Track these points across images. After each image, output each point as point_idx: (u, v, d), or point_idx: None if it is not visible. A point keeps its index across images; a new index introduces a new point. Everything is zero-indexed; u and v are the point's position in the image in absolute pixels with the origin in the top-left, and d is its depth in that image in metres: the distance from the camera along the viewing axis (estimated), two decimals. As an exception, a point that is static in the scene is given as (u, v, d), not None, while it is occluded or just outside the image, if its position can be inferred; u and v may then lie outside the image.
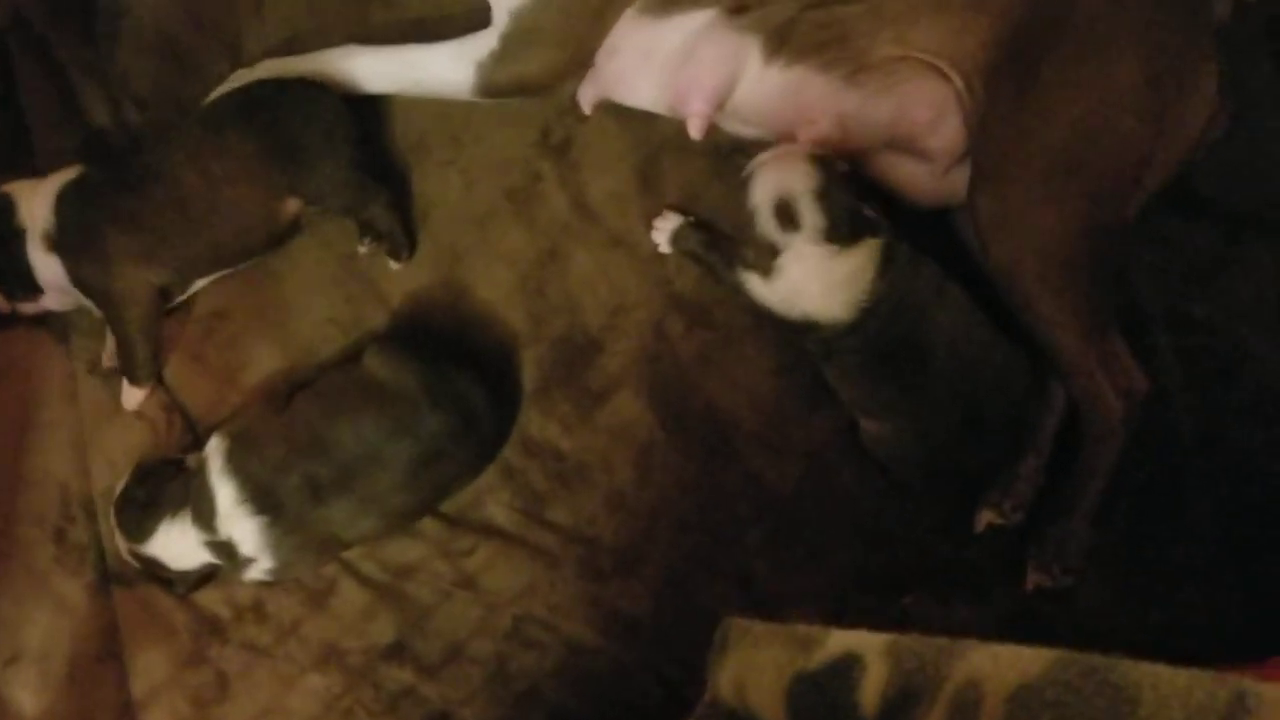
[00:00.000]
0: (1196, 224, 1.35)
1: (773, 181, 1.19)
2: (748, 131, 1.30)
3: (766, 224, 1.19)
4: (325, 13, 1.39)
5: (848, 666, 0.63)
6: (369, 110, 1.34)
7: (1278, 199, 1.37)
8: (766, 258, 1.20)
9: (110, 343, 1.31)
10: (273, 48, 1.37)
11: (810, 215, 1.17)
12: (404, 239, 1.31)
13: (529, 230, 1.35)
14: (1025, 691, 0.55)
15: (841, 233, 1.18)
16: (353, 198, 1.26)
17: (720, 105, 1.26)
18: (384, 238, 1.30)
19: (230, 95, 1.29)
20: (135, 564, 1.24)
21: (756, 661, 0.68)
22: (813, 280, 1.20)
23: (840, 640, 0.65)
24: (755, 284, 1.23)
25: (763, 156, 1.21)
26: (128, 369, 1.28)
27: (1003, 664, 0.57)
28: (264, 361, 1.33)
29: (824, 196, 1.18)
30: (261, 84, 1.28)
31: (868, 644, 0.64)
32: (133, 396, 1.30)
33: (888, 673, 0.61)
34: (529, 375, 1.32)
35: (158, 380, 1.31)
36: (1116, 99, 1.18)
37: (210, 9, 1.40)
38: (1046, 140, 1.18)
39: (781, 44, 1.23)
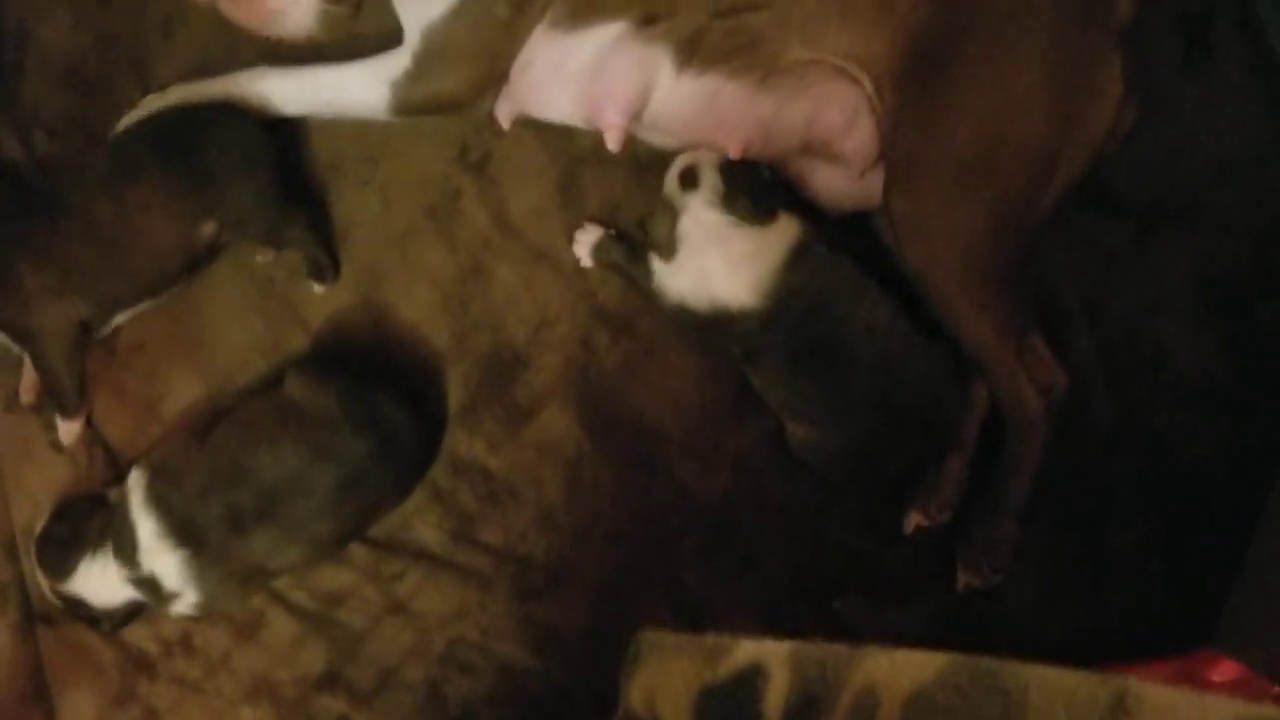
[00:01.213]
0: (1111, 219, 1.37)
1: (685, 157, 1.24)
2: (667, 141, 1.30)
3: (669, 186, 1.23)
4: (236, 33, 1.37)
5: (752, 677, 0.63)
6: (284, 131, 1.33)
7: (1190, 191, 1.39)
8: (668, 227, 1.23)
9: (28, 377, 1.29)
10: (184, 71, 1.35)
11: (709, 178, 1.21)
12: (327, 261, 1.30)
13: (450, 248, 1.34)
14: (919, 696, 0.55)
15: (739, 203, 1.20)
16: (270, 223, 1.24)
17: (635, 117, 1.26)
18: (306, 261, 1.29)
19: (142, 122, 1.27)
20: (59, 603, 1.22)
21: (666, 674, 0.68)
22: (712, 250, 1.22)
23: (745, 651, 0.65)
24: (664, 272, 1.25)
25: None
26: (57, 404, 1.26)
27: (899, 669, 0.57)
28: (184, 391, 1.31)
29: (727, 168, 1.21)
30: (174, 110, 1.26)
31: (771, 653, 0.64)
32: (68, 431, 1.27)
33: (789, 681, 0.61)
34: (455, 394, 1.31)
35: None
36: (1021, 100, 1.19)
37: (118, 33, 1.38)
38: (954, 142, 1.19)
39: (692, 53, 1.23)
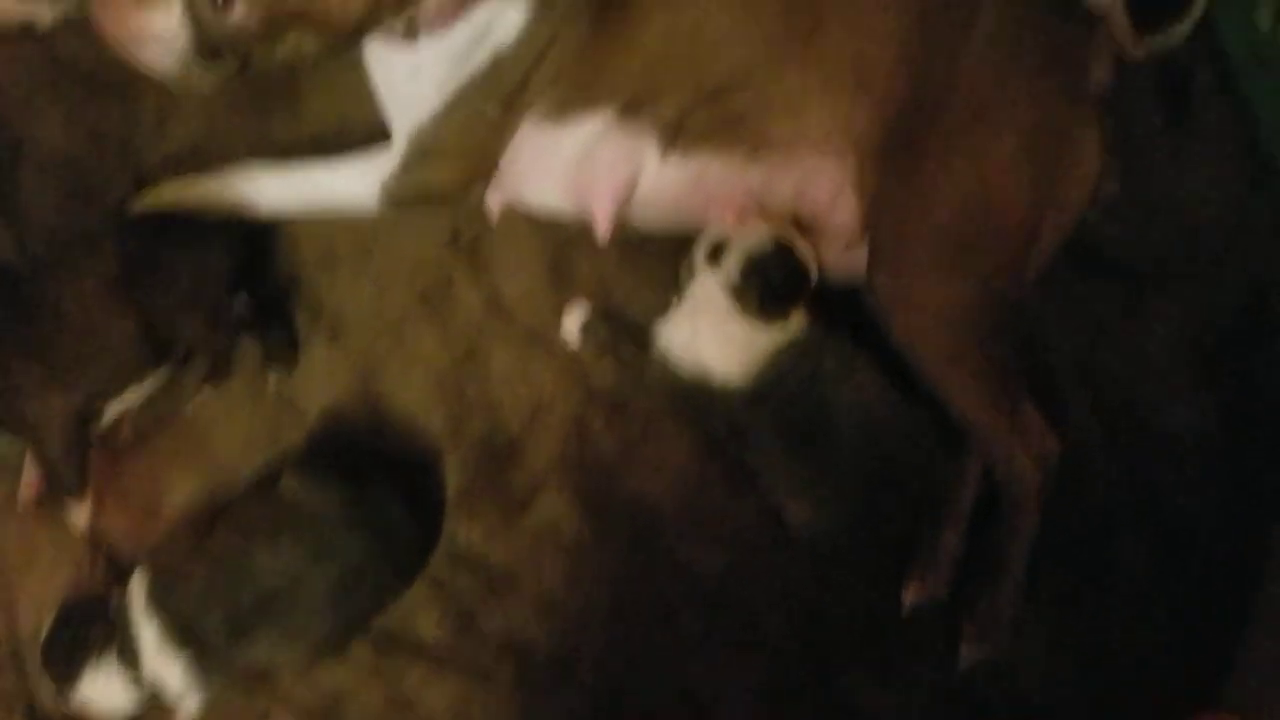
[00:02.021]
0: (1099, 281, 1.38)
1: (720, 231, 1.24)
2: (659, 224, 1.31)
3: (699, 251, 1.23)
4: (228, 129, 1.39)
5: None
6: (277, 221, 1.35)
7: (1176, 252, 1.40)
8: (683, 284, 1.25)
9: (28, 474, 1.30)
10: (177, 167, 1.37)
11: (731, 264, 1.21)
12: (286, 352, 1.31)
13: (444, 333, 1.35)
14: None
15: (748, 299, 1.21)
16: (208, 348, 1.26)
17: (624, 203, 1.27)
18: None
19: (121, 224, 1.28)
20: (64, 709, 1.22)
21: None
22: (710, 322, 1.23)
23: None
24: (663, 327, 1.26)
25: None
26: (63, 487, 1.26)
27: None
28: (184, 489, 1.31)
29: (753, 260, 1.20)
30: (153, 217, 1.27)
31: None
32: (79, 513, 1.27)
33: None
34: (452, 481, 1.31)
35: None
36: (1001, 174, 1.21)
37: (112, 130, 1.39)
38: (935, 217, 1.20)
39: (676, 137, 1.25)
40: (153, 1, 0.98)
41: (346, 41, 1.06)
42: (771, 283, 1.21)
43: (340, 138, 1.35)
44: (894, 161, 1.22)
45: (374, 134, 1.30)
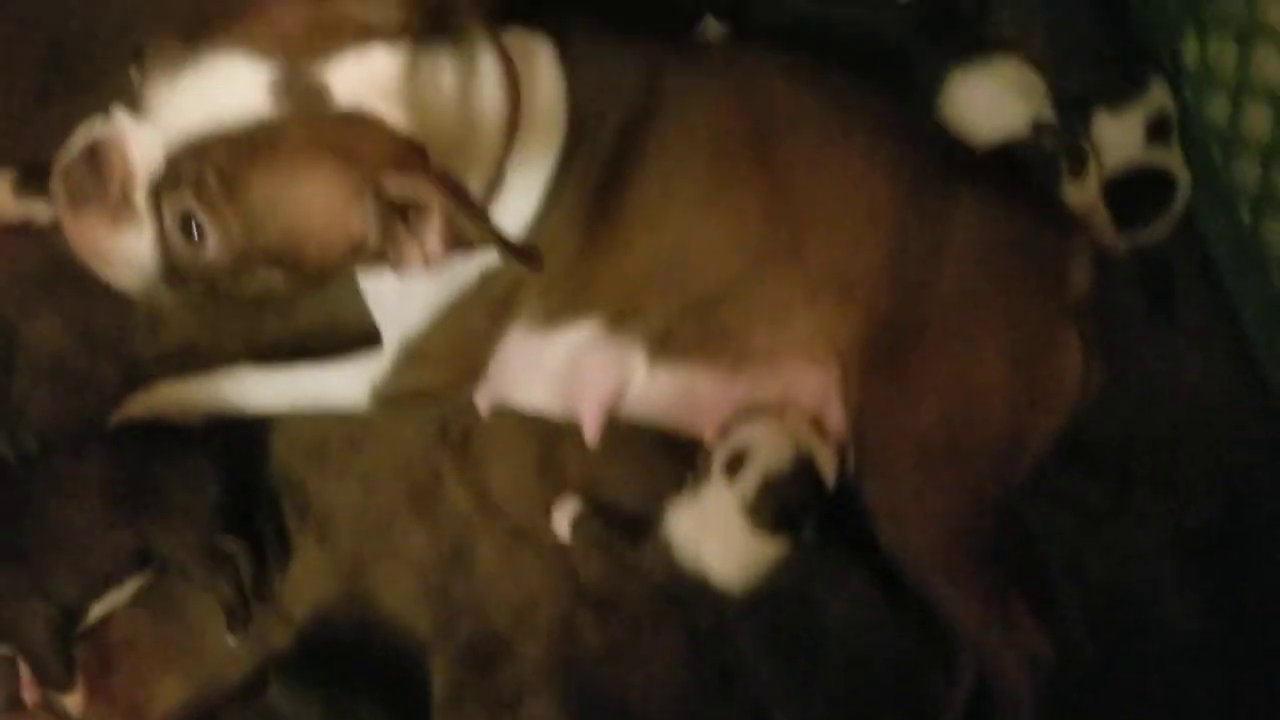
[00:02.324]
0: (1087, 477, 1.38)
1: (745, 440, 1.23)
2: (648, 422, 1.32)
3: (719, 454, 1.23)
4: (220, 328, 1.40)
5: None
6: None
7: (1163, 446, 1.40)
8: (696, 474, 1.24)
9: (25, 673, 1.29)
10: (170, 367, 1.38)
11: (748, 480, 1.21)
12: (244, 612, 1.28)
13: (431, 530, 1.36)
14: None
15: (759, 518, 1.21)
16: (197, 571, 1.25)
17: (612, 408, 1.28)
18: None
19: (111, 431, 1.29)
20: None
21: None
22: (716, 525, 1.23)
23: None
24: (669, 514, 1.26)
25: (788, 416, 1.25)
26: (53, 683, 1.26)
27: None
28: (172, 693, 1.30)
29: (772, 481, 1.20)
30: (142, 429, 1.28)
31: None
32: (74, 703, 1.27)
33: None
34: (439, 684, 1.31)
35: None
36: (983, 385, 1.22)
37: (105, 329, 1.41)
38: (918, 429, 1.21)
39: (664, 347, 1.26)
40: (125, 225, 0.98)
41: (320, 283, 1.07)
42: (788, 504, 1.21)
43: (332, 336, 1.36)
44: (877, 372, 1.23)
45: (366, 332, 1.31)
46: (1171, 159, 1.39)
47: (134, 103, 0.96)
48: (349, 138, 0.95)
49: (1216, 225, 1.41)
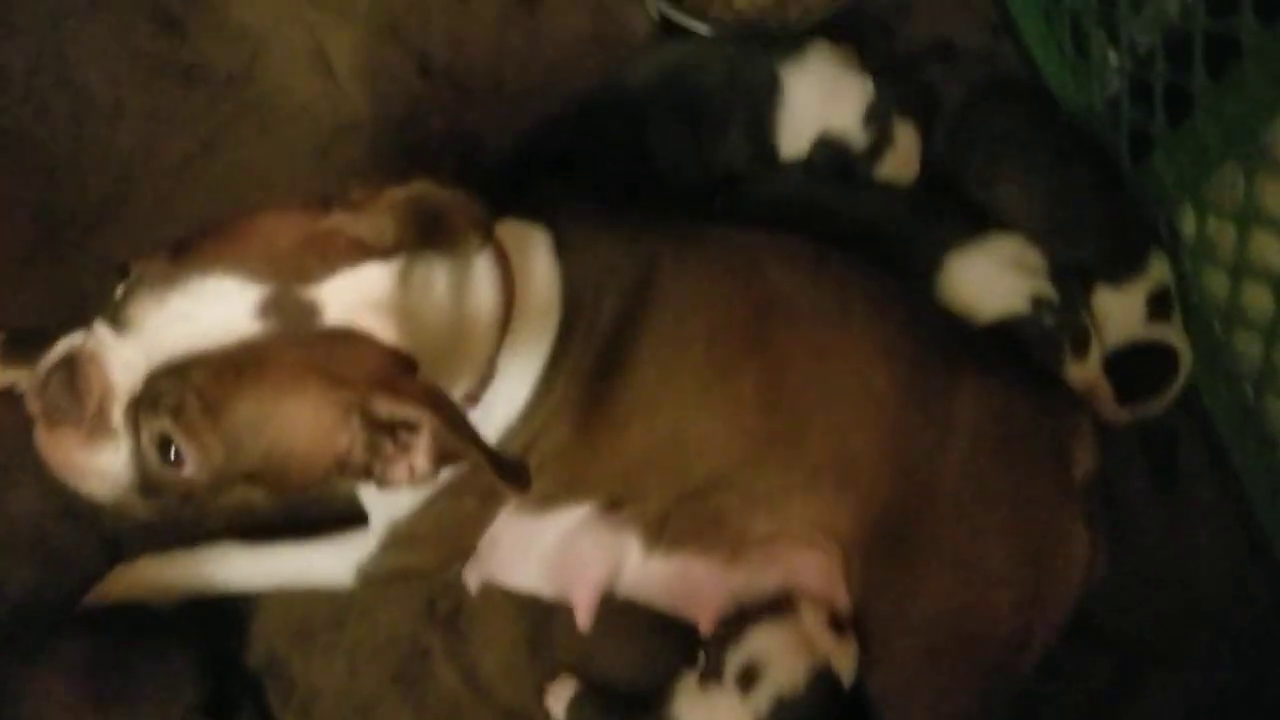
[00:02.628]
0: (1096, 657, 1.35)
1: (769, 643, 1.17)
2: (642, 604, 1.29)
3: (731, 664, 1.18)
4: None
5: None
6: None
7: (1171, 621, 1.37)
8: (708, 672, 1.19)
9: None
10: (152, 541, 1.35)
11: (762, 703, 1.16)
12: None
13: (419, 711, 1.31)
14: None
15: None
16: None
17: (604, 593, 1.25)
18: None
19: (90, 612, 1.26)
20: None
21: None
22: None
23: None
24: (679, 696, 1.22)
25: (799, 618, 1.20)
26: None
27: None
28: None
29: (786, 703, 1.15)
30: (121, 615, 1.25)
31: None
32: None
33: None
34: None
35: None
36: (989, 577, 1.19)
37: (84, 501, 1.36)
38: (924, 620, 1.18)
39: (660, 534, 1.23)
40: (99, 442, 0.95)
41: (302, 494, 1.04)
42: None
43: (320, 508, 1.33)
44: (880, 559, 1.20)
45: (355, 504, 1.27)
46: (1173, 333, 1.37)
47: (116, 317, 0.94)
48: (337, 357, 0.93)
49: (1220, 399, 1.40)
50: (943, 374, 1.22)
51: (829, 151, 1.36)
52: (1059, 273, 1.34)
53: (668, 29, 1.49)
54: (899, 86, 1.38)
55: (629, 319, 1.17)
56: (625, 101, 1.37)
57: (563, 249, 1.16)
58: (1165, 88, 1.29)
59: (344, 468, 0.96)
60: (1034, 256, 1.35)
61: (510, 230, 1.14)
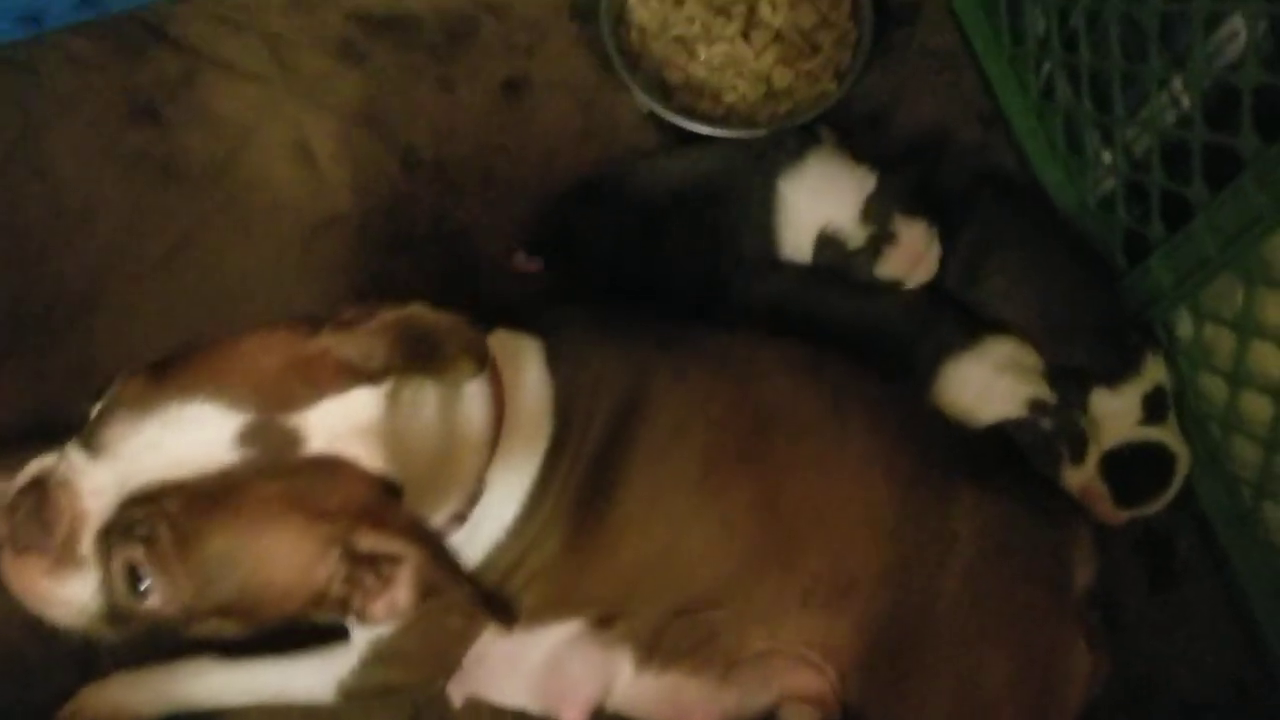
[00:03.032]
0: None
1: None
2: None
3: None
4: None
5: None
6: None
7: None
8: None
9: None
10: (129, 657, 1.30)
11: None
12: None
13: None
14: None
15: None
16: None
17: (595, 710, 1.22)
18: None
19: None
20: None
21: None
22: None
23: None
24: None
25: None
26: None
27: None
28: None
29: None
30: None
31: None
32: None
33: None
34: None
35: None
36: (989, 695, 1.16)
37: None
38: (924, 739, 1.15)
39: (652, 651, 1.20)
40: (66, 570, 0.91)
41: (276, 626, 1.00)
42: None
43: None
44: (878, 678, 1.17)
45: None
46: (1170, 434, 1.35)
47: (90, 440, 0.90)
48: (318, 488, 0.89)
49: (1218, 501, 1.37)
50: (941, 487, 1.20)
51: (825, 250, 1.34)
52: (1056, 374, 1.33)
53: (656, 123, 1.48)
54: (909, 183, 1.35)
55: (622, 432, 1.15)
56: (642, 201, 1.36)
57: (555, 359, 1.14)
58: (1162, 193, 1.27)
59: (321, 602, 0.93)
60: (1030, 357, 1.33)
61: (501, 341, 1.12)
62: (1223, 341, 1.28)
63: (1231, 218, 1.17)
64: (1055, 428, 1.30)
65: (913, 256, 1.33)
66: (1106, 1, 1.25)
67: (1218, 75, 1.15)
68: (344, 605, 0.93)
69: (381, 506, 0.90)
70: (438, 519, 1.05)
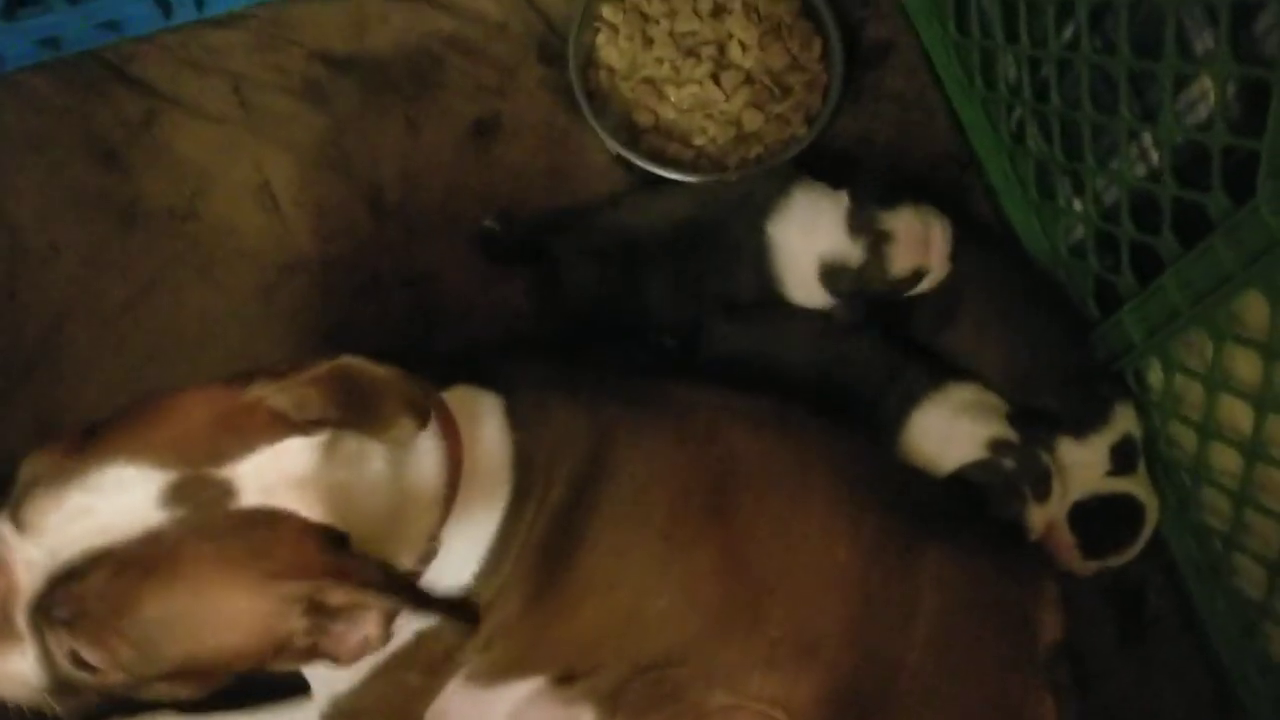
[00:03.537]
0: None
1: None
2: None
3: None
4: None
5: None
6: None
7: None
8: None
9: None
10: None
11: None
12: None
13: None
14: None
15: None
16: None
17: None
18: None
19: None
20: None
21: None
22: None
23: None
24: None
25: None
26: None
27: None
28: None
29: None
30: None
31: None
32: None
33: None
34: None
35: None
36: (959, 751, 1.15)
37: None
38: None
39: (614, 709, 1.18)
40: (6, 645, 0.88)
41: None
42: None
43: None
44: (842, 737, 1.16)
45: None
46: (1139, 486, 1.34)
47: (15, 516, 0.88)
48: (259, 542, 0.87)
49: (1188, 551, 1.37)
50: (906, 543, 1.19)
51: (836, 280, 1.32)
52: (1020, 414, 1.31)
53: (625, 166, 1.46)
54: (878, 179, 1.34)
55: (584, 491, 1.13)
56: (625, 239, 1.36)
57: (516, 417, 1.12)
58: (1133, 244, 1.26)
59: (282, 654, 0.91)
60: (992, 400, 1.32)
61: (461, 397, 1.10)
62: (1193, 393, 1.27)
63: (1201, 275, 1.16)
64: (1018, 467, 1.29)
65: (916, 242, 1.30)
66: (1077, 52, 1.24)
67: (1189, 133, 1.14)
68: (310, 654, 0.92)
69: (333, 557, 0.89)
70: None
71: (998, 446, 1.29)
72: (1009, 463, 1.29)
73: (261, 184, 1.44)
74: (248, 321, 1.39)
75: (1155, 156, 1.21)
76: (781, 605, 1.16)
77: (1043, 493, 1.30)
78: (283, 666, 0.98)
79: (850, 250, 1.31)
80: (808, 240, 1.32)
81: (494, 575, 1.11)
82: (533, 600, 1.13)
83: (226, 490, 0.87)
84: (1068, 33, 1.27)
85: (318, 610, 0.88)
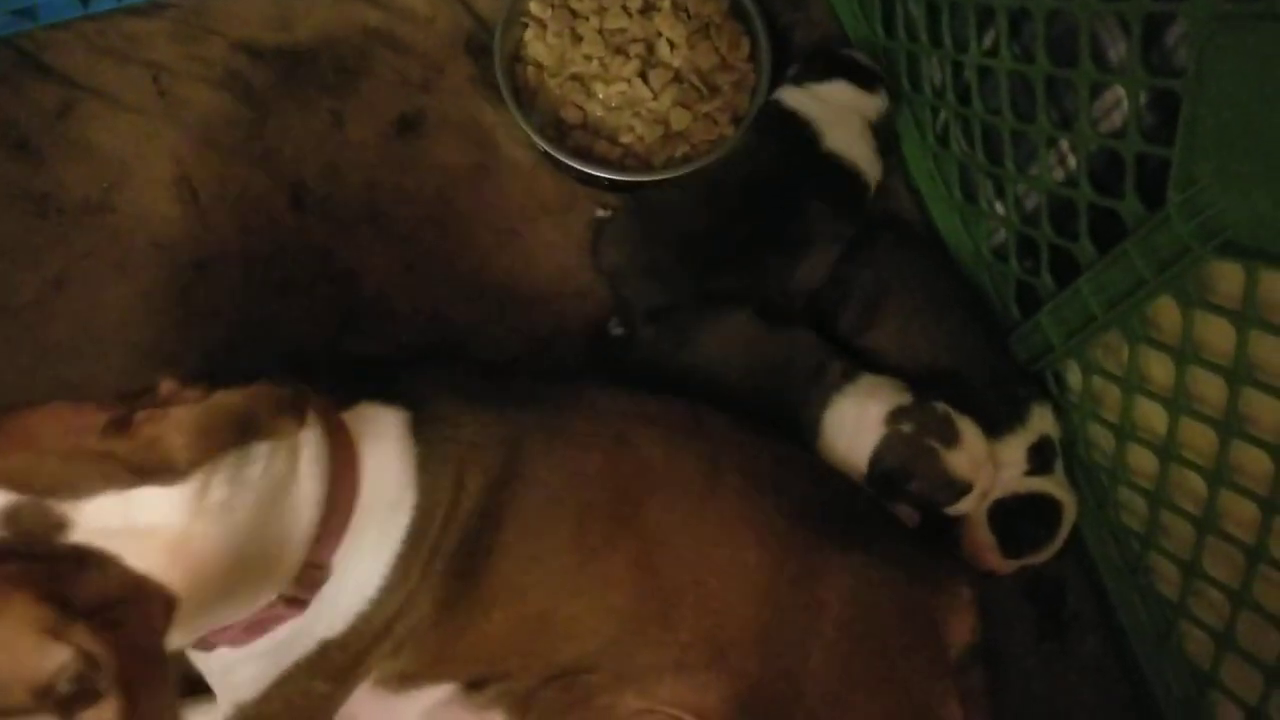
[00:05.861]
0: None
1: None
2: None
3: None
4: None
5: None
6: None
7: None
8: None
9: None
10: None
11: None
12: None
13: None
14: None
15: None
16: None
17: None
18: None
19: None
20: None
21: None
22: None
23: None
24: None
25: None
26: None
27: None
28: None
29: None
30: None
31: None
32: None
33: None
34: None
35: None
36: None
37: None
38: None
39: (525, 715, 1.17)
40: None
41: None
42: None
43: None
44: (752, 740, 1.16)
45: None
46: (1056, 485, 1.35)
47: None
48: (63, 576, 0.84)
49: (1106, 550, 1.38)
50: (814, 548, 1.18)
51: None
52: (915, 384, 1.31)
53: (553, 163, 1.45)
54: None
55: (496, 500, 1.12)
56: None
57: (422, 430, 1.11)
58: (1052, 248, 1.27)
59: (45, 700, 0.83)
60: (897, 383, 1.31)
61: (363, 415, 1.09)
62: (1111, 395, 1.28)
63: (1115, 280, 1.16)
64: (917, 426, 1.27)
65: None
66: (997, 59, 1.24)
67: (1104, 140, 1.15)
68: (66, 709, 0.84)
69: (131, 607, 0.86)
70: (245, 612, 1.01)
71: (894, 416, 1.27)
72: (906, 427, 1.26)
73: (180, 177, 1.41)
74: (164, 317, 1.36)
75: (1073, 162, 1.22)
76: (692, 610, 1.16)
77: (949, 436, 1.27)
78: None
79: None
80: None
81: (400, 587, 1.09)
82: (444, 607, 1.12)
83: (58, 523, 0.85)
84: (988, 39, 1.27)
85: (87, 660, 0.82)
